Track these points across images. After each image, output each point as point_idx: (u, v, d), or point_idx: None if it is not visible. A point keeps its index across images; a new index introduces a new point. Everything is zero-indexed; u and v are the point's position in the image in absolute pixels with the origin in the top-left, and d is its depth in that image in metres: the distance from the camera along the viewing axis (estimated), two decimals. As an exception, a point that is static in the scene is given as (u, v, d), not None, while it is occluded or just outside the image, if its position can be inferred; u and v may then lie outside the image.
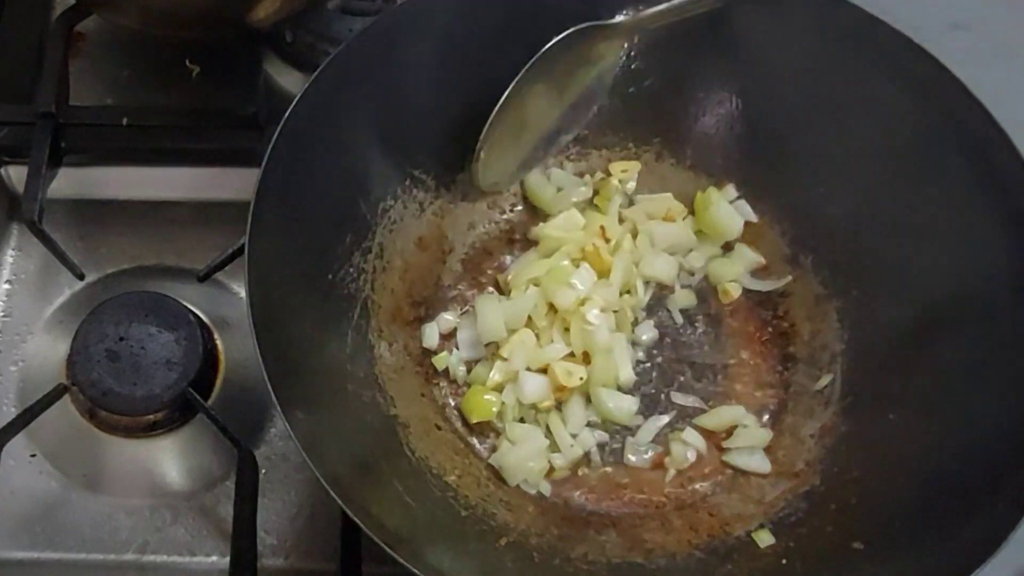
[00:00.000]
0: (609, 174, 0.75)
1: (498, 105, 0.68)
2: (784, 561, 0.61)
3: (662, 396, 0.70)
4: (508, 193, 0.75)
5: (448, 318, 0.71)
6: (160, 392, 0.67)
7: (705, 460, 0.68)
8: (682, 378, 0.71)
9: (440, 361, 0.69)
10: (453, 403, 0.69)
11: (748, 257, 0.73)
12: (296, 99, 0.63)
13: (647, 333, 0.71)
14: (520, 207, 0.76)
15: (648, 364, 0.71)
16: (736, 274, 0.73)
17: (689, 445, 0.68)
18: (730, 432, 0.68)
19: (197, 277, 0.71)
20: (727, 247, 0.74)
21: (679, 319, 0.73)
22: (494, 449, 0.67)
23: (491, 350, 0.69)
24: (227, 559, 0.64)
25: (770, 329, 0.72)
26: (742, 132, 0.73)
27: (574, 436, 0.67)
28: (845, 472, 0.65)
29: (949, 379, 0.63)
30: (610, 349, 0.68)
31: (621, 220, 0.74)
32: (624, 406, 0.68)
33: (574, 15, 0.69)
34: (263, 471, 0.68)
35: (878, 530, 0.60)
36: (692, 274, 0.74)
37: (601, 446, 0.68)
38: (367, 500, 0.56)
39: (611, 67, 0.72)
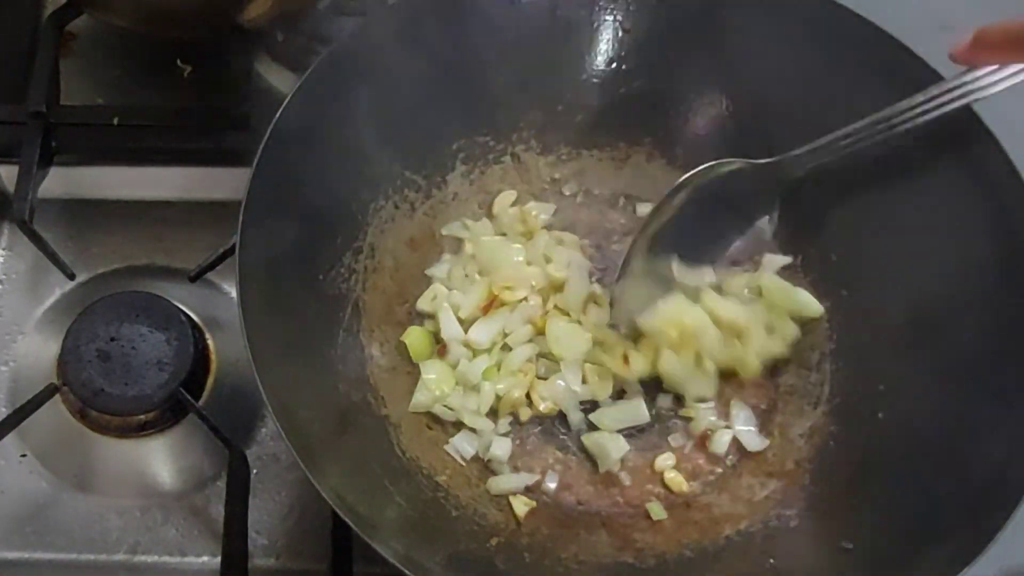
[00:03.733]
0: None
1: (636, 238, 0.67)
2: (773, 560, 0.62)
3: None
4: (499, 193, 0.75)
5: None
6: (151, 392, 0.67)
7: (694, 459, 0.68)
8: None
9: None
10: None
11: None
12: (287, 99, 0.63)
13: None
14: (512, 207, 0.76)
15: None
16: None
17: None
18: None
19: (188, 277, 0.71)
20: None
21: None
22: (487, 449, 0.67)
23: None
24: (218, 559, 0.64)
25: (760, 329, 0.72)
26: (732, 133, 0.73)
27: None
28: (834, 472, 0.65)
29: (938, 380, 0.64)
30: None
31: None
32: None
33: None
34: (254, 471, 0.68)
35: (867, 530, 0.61)
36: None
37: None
38: (358, 500, 0.56)
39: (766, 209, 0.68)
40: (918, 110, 0.64)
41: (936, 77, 0.65)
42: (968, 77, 0.63)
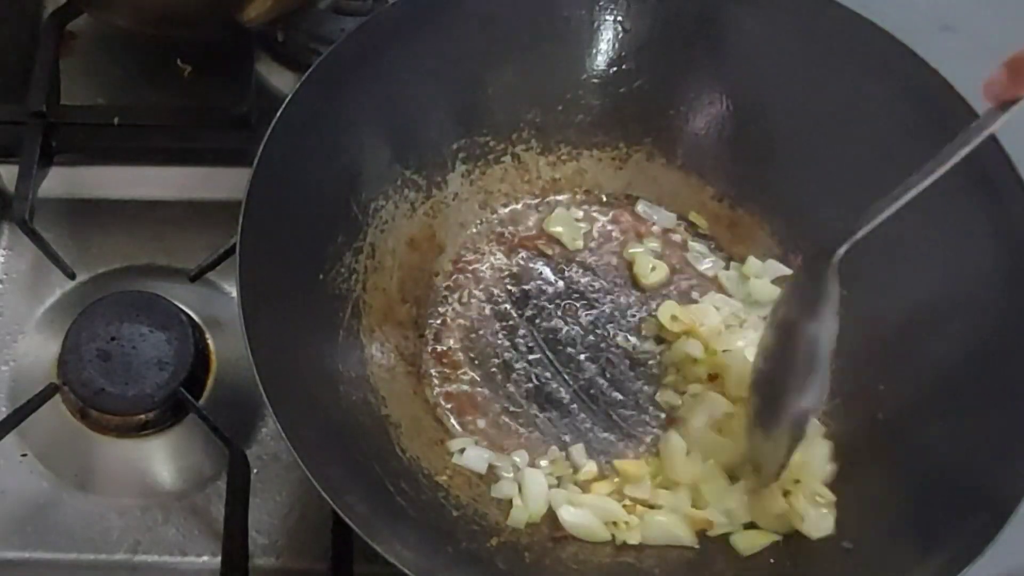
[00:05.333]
0: None
1: None
2: (773, 560, 0.62)
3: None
4: (499, 193, 0.75)
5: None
6: (151, 392, 0.67)
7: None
8: (669, 378, 0.71)
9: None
10: (444, 403, 0.69)
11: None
12: (288, 99, 0.63)
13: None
14: (511, 207, 0.76)
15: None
16: None
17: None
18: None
19: (188, 277, 0.71)
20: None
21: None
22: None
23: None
24: (218, 559, 0.64)
25: (760, 329, 0.72)
26: (732, 132, 0.73)
27: None
28: (834, 472, 0.65)
29: (938, 380, 0.64)
30: None
31: None
32: None
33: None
34: (254, 471, 0.68)
35: (867, 530, 0.61)
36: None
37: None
38: (358, 500, 0.56)
39: None
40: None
41: (936, 77, 0.65)
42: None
